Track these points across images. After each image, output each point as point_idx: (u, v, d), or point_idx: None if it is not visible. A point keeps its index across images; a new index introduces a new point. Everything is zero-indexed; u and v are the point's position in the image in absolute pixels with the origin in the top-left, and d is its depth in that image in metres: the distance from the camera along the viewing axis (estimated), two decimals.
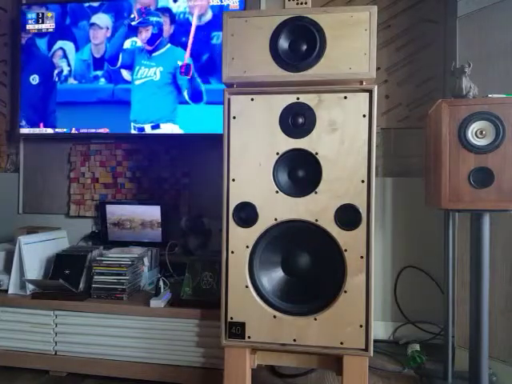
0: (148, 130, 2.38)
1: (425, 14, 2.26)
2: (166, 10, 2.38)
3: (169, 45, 2.37)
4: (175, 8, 2.36)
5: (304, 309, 1.45)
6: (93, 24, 2.44)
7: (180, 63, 2.34)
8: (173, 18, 2.36)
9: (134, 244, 2.24)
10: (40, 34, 2.51)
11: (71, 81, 2.47)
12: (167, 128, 2.36)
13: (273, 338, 1.47)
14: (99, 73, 2.44)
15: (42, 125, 2.50)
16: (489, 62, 1.80)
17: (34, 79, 2.51)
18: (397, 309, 2.25)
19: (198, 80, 2.33)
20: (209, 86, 2.32)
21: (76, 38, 2.47)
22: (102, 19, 2.43)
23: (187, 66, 2.34)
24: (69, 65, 2.47)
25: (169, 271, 2.09)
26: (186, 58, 2.34)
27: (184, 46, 2.35)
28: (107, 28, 2.42)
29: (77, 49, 2.47)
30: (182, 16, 2.36)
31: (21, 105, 2.54)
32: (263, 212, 1.47)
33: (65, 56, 2.47)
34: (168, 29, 2.37)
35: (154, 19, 2.38)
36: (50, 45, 2.49)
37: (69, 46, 2.48)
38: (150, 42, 2.39)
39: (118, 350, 1.76)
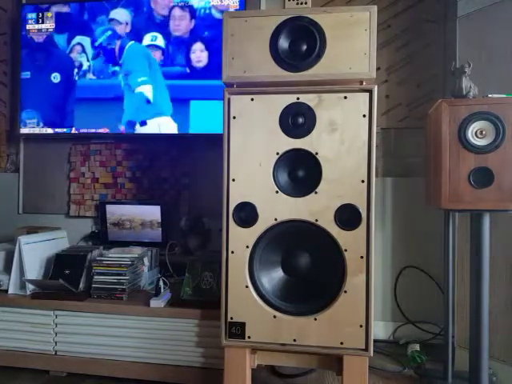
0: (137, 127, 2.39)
1: (425, 14, 2.26)
2: None
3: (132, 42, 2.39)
4: None
5: (304, 309, 1.45)
6: (112, 19, 2.43)
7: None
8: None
9: (134, 244, 2.23)
10: (59, 29, 2.49)
11: (90, 76, 2.45)
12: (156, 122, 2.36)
13: (273, 338, 1.47)
14: (118, 68, 2.42)
15: (58, 124, 2.49)
16: (489, 62, 1.80)
17: (56, 77, 2.50)
18: (397, 309, 2.25)
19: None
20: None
21: (95, 34, 2.45)
22: (121, 14, 2.42)
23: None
24: (88, 60, 2.46)
25: (169, 271, 2.09)
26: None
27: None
28: (126, 23, 2.40)
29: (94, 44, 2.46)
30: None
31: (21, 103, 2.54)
32: (263, 212, 1.47)
33: (83, 51, 2.46)
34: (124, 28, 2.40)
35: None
36: (69, 41, 2.48)
37: (87, 41, 2.46)
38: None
39: (117, 350, 1.76)
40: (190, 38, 2.35)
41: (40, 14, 2.51)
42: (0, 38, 2.66)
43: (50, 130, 2.50)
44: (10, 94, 2.67)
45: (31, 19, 2.52)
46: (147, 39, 2.40)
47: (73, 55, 2.47)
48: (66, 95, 2.47)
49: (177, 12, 2.36)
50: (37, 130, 2.51)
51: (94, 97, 2.44)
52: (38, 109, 2.51)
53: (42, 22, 2.51)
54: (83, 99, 2.45)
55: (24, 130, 2.53)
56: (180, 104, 2.35)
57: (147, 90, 2.38)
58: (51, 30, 2.50)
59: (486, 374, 1.62)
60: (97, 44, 2.44)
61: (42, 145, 2.61)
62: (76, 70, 2.46)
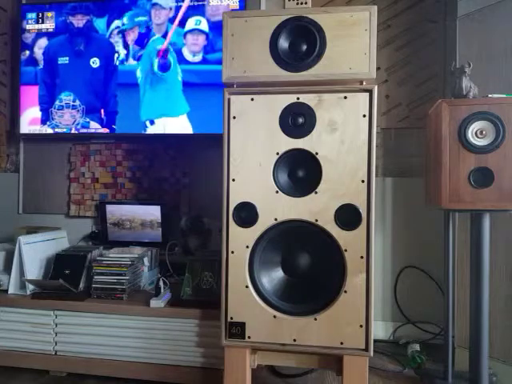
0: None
1: (425, 14, 2.26)
2: None
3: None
4: None
5: (304, 309, 1.45)
6: (155, 4, 2.39)
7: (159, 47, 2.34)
8: None
9: (134, 244, 2.23)
10: (98, 13, 2.44)
11: (130, 61, 2.42)
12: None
13: (273, 337, 1.47)
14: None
15: (102, 111, 2.47)
16: (489, 62, 1.80)
17: (95, 62, 2.46)
18: (397, 309, 2.25)
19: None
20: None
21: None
22: None
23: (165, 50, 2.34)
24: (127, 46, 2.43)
25: (169, 271, 2.09)
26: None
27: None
28: (170, 8, 2.37)
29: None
30: None
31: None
32: (263, 212, 1.47)
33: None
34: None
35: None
36: (108, 25, 2.44)
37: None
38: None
39: (117, 349, 1.76)
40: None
41: (40, 14, 2.51)
42: (0, 38, 2.66)
43: (49, 130, 2.50)
44: (9, 94, 2.67)
45: (31, 19, 2.52)
46: (191, 23, 2.35)
47: (112, 40, 2.43)
48: (107, 80, 2.45)
49: None
50: (37, 130, 2.51)
51: (135, 82, 2.42)
52: (76, 92, 2.48)
53: (42, 22, 2.50)
54: (125, 84, 2.43)
55: (24, 130, 2.52)
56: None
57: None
58: (51, 30, 2.49)
59: (486, 374, 1.62)
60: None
61: (42, 145, 2.61)
62: (116, 55, 2.43)
